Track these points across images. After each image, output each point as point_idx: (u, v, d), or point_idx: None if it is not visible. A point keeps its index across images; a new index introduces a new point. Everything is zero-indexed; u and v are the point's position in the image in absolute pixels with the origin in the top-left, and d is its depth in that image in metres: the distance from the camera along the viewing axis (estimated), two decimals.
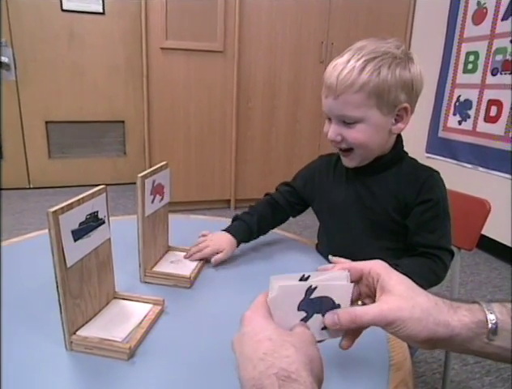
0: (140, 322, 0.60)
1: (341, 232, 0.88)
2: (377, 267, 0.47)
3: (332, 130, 0.79)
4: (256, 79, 2.80)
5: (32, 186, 3.28)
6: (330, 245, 0.90)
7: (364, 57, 0.73)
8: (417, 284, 0.76)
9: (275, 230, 1.07)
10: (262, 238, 1.01)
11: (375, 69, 0.72)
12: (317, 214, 0.96)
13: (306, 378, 0.34)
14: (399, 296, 0.43)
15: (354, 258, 0.82)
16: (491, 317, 0.42)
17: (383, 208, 0.82)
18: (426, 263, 0.78)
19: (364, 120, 0.75)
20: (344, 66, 0.74)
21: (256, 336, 0.38)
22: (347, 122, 0.77)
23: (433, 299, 0.43)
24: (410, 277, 0.76)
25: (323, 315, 0.45)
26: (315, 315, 0.45)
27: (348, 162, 0.83)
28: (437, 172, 0.83)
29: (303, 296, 0.44)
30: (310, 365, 0.37)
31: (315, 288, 0.44)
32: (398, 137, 0.84)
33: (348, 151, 0.81)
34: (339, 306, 0.46)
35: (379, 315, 0.42)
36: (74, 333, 0.56)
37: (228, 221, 1.18)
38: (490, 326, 0.41)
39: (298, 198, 0.97)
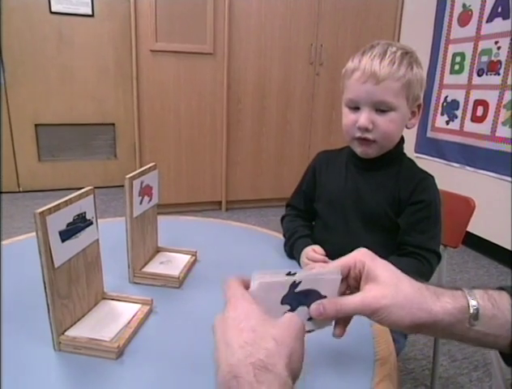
0: (128, 322, 0.61)
1: (338, 224, 0.89)
2: (361, 255, 0.48)
3: (366, 117, 0.79)
4: (246, 81, 2.82)
5: (21, 190, 3.26)
6: (326, 239, 0.90)
7: (400, 50, 0.78)
8: None
9: (267, 230, 1.08)
10: (254, 238, 1.02)
11: (409, 63, 0.78)
12: (316, 209, 0.97)
13: (282, 371, 0.35)
14: (383, 283, 0.44)
15: (349, 250, 0.84)
16: (472, 302, 0.43)
17: (379, 203, 0.84)
18: (413, 264, 0.79)
19: (397, 109, 0.79)
20: (384, 56, 0.77)
21: (240, 324, 0.38)
22: (382, 110, 0.79)
23: (416, 285, 0.44)
24: None
25: (308, 307, 0.45)
26: (300, 307, 0.45)
27: (367, 150, 0.83)
28: (432, 176, 0.85)
29: (287, 291, 0.44)
30: (289, 359, 0.37)
31: (299, 282, 0.44)
32: (401, 136, 0.87)
33: (371, 140, 0.82)
34: (325, 298, 0.46)
35: (363, 303, 0.43)
36: (63, 333, 0.56)
37: (218, 222, 1.19)
38: (472, 311, 0.43)
39: (311, 201, 0.98)
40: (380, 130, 0.79)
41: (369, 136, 0.80)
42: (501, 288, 0.46)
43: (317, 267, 0.50)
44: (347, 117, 0.83)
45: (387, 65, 0.76)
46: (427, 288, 0.44)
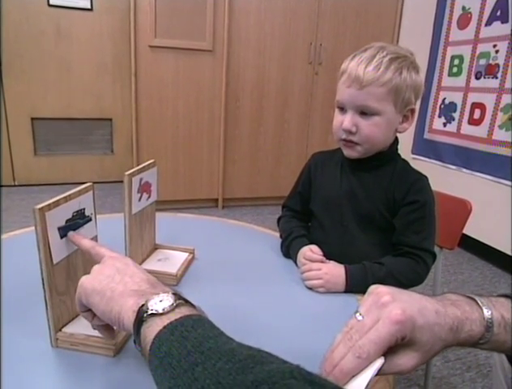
0: None
1: (334, 225, 0.90)
2: (403, 329, 0.41)
3: (349, 120, 0.80)
4: (245, 79, 2.81)
5: (16, 184, 3.24)
6: (322, 240, 0.90)
7: (389, 55, 0.78)
8: (399, 282, 0.78)
9: (263, 229, 1.08)
10: (250, 236, 1.02)
11: (397, 68, 0.78)
12: (312, 210, 0.97)
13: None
14: (419, 348, 0.42)
15: (345, 250, 0.84)
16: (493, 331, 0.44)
17: (374, 204, 0.84)
18: (409, 263, 0.80)
19: (382, 113, 0.79)
20: (371, 61, 0.78)
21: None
22: (366, 113, 0.79)
23: (444, 328, 0.43)
24: (393, 275, 0.78)
25: None
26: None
27: (351, 152, 0.85)
28: (426, 177, 0.86)
29: None
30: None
31: None
32: (395, 138, 0.88)
33: (355, 143, 0.83)
34: None
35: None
36: (60, 330, 0.56)
37: (216, 220, 1.18)
38: (487, 337, 0.45)
39: (307, 202, 0.98)
40: (363, 134, 0.81)
41: (353, 139, 0.82)
42: (505, 296, 0.47)
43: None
44: (336, 118, 0.85)
45: (372, 70, 0.77)
46: (451, 326, 0.43)
